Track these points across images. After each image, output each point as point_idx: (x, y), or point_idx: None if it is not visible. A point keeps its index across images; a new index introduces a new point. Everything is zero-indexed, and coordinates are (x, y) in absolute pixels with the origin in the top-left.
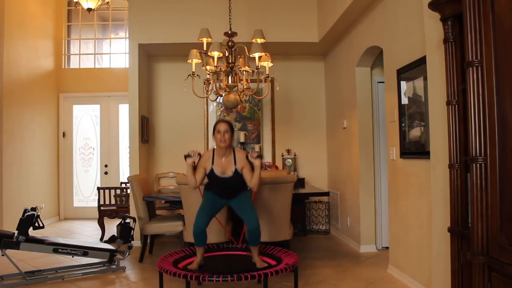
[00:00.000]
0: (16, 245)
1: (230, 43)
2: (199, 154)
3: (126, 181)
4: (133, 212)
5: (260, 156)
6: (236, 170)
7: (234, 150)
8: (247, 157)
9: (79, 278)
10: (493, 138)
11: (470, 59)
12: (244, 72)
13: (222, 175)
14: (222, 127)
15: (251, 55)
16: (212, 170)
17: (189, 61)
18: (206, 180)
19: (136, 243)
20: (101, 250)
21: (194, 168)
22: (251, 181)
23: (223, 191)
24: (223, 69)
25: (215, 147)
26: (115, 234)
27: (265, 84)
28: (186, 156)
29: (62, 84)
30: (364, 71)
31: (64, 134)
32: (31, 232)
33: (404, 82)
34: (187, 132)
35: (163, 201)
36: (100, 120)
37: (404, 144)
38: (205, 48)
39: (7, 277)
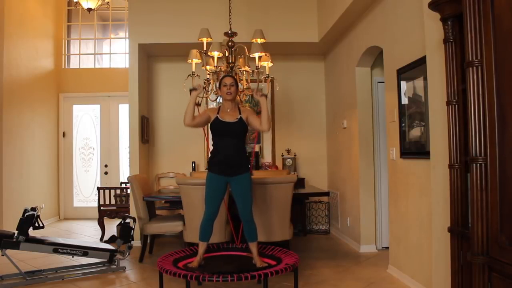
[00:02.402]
0: (16, 245)
1: (230, 43)
2: (204, 88)
3: (126, 181)
4: (133, 212)
5: (265, 94)
6: (241, 118)
7: (238, 106)
8: (252, 96)
9: (79, 278)
10: (493, 138)
11: (470, 59)
12: (244, 72)
13: (227, 121)
14: (228, 80)
15: (251, 55)
16: (216, 118)
17: (189, 61)
18: (198, 122)
19: (136, 243)
20: (101, 250)
21: (198, 104)
22: (261, 121)
23: (226, 155)
24: (223, 69)
25: (222, 102)
26: (115, 234)
27: (265, 84)
28: (191, 90)
29: (62, 84)
30: (364, 71)
31: (64, 134)
32: (31, 232)
33: (404, 82)
34: (187, 132)
35: (163, 201)
36: (100, 120)
37: (404, 144)
38: (205, 48)
39: (7, 277)
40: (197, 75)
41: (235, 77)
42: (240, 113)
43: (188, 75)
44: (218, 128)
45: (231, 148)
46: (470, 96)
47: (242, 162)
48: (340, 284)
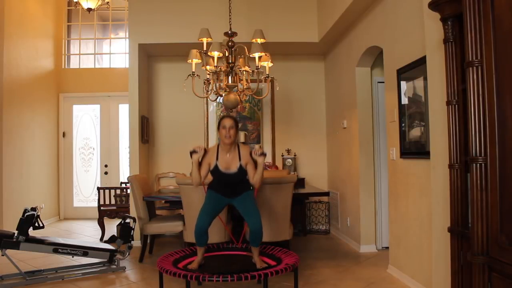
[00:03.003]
0: (16, 245)
1: (230, 43)
2: (205, 149)
3: (126, 181)
4: (133, 212)
5: (264, 154)
6: (240, 166)
7: (238, 146)
8: (251, 154)
9: (79, 278)
10: (493, 138)
11: (470, 59)
12: (244, 72)
13: (227, 171)
14: (228, 122)
15: (251, 55)
16: (216, 166)
17: (189, 61)
18: (209, 179)
19: (136, 243)
20: (101, 250)
21: (199, 164)
22: (254, 177)
23: (227, 188)
24: (223, 69)
25: (220, 143)
26: (115, 234)
27: (265, 84)
28: (191, 153)
29: (62, 84)
30: (364, 71)
31: (64, 134)
32: (31, 232)
33: (404, 82)
34: (187, 132)
35: (163, 201)
36: (100, 120)
37: (404, 144)
38: (205, 48)
39: (7, 277)
40: (197, 75)
41: (236, 118)
42: (240, 159)
43: (188, 75)
44: (218, 176)
45: (232, 185)
46: (470, 96)
47: (244, 185)
48: (340, 284)
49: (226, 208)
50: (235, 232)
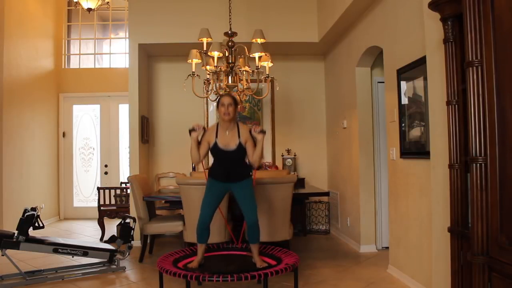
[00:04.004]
0: (16, 245)
1: (230, 43)
2: (204, 128)
3: (126, 181)
4: (133, 212)
5: (263, 131)
6: (240, 143)
7: (238, 124)
8: (250, 132)
9: (79, 278)
10: (493, 138)
11: (470, 59)
12: (244, 72)
13: (226, 148)
14: (226, 100)
15: (251, 55)
16: (215, 144)
17: (189, 61)
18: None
19: (136, 243)
20: (101, 250)
21: (199, 143)
22: (253, 156)
23: (226, 170)
24: (223, 69)
25: (219, 121)
26: (115, 234)
27: (265, 84)
28: (190, 131)
29: (62, 84)
30: (364, 71)
31: (64, 134)
32: (31, 232)
33: (404, 82)
34: (187, 132)
35: (163, 201)
36: (100, 120)
37: (404, 144)
38: (205, 48)
39: (7, 277)
40: (197, 75)
41: (234, 97)
42: (239, 137)
43: (188, 75)
44: (218, 154)
45: (232, 165)
46: (470, 96)
47: (243, 170)
48: (340, 284)
49: (226, 207)
50: (235, 233)
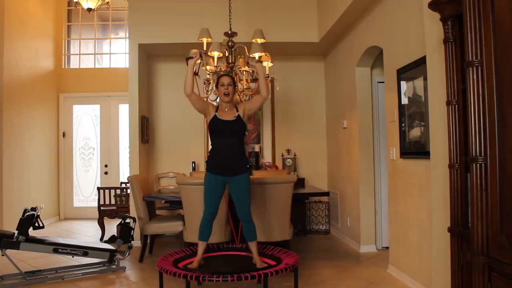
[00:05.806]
0: (16, 245)
1: (230, 43)
2: (201, 55)
3: (126, 181)
4: (133, 212)
5: (260, 60)
6: (238, 115)
7: (236, 105)
8: (248, 64)
9: (79, 278)
10: (493, 138)
11: (470, 59)
12: (244, 72)
13: (225, 119)
14: (226, 79)
15: (251, 55)
16: (215, 116)
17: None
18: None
19: (136, 243)
20: (101, 250)
21: (196, 75)
22: (260, 88)
23: (223, 154)
24: (223, 69)
25: (219, 103)
26: (115, 234)
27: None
28: (187, 58)
29: (62, 84)
30: (364, 71)
31: (64, 134)
32: (31, 232)
33: (404, 82)
34: (187, 132)
35: (163, 201)
36: (100, 120)
37: (404, 144)
38: (205, 48)
39: (7, 277)
40: (197, 74)
41: (235, 77)
42: (237, 111)
43: None
44: (217, 126)
45: (230, 147)
46: (470, 96)
47: (241, 162)
48: (340, 284)
49: (227, 206)
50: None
